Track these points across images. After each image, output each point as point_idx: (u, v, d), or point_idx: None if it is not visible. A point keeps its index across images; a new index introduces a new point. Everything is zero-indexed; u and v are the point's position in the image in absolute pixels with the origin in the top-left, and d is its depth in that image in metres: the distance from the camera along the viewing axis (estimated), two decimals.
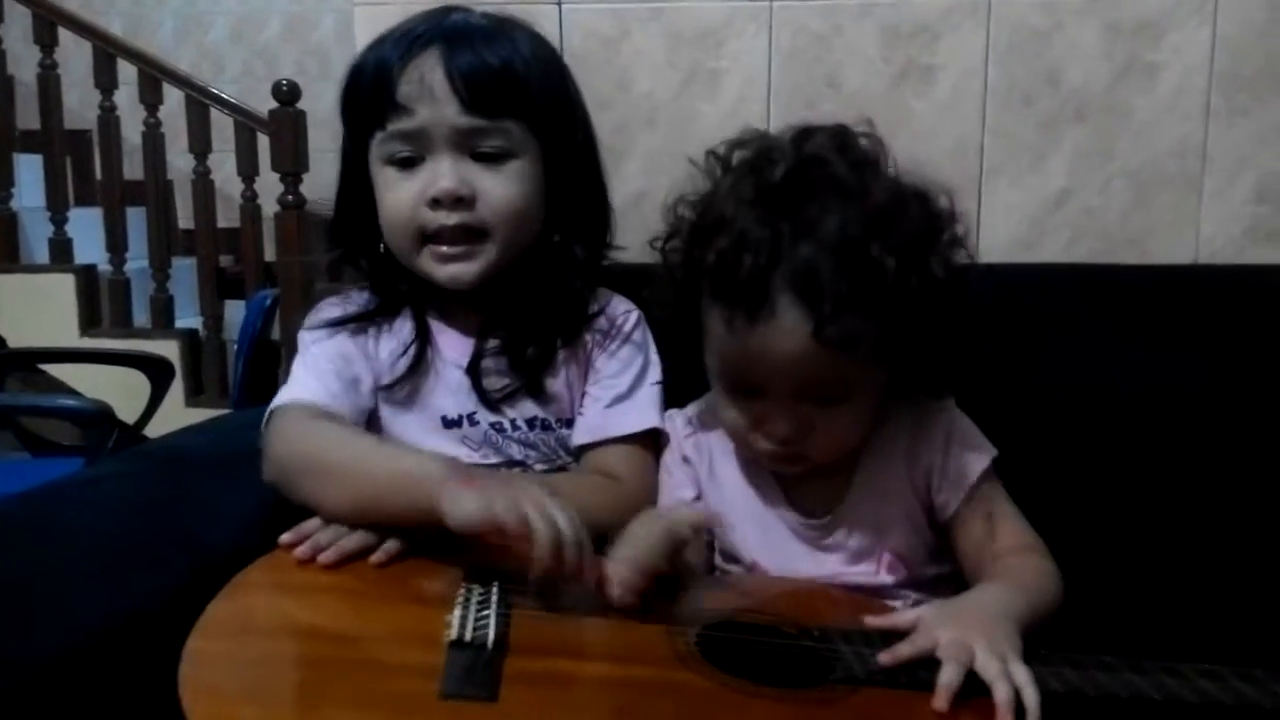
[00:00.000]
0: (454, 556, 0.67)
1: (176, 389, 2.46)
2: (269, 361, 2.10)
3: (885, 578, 0.74)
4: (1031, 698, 0.55)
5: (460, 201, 0.78)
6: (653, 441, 0.84)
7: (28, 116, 3.07)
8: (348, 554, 0.68)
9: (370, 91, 0.80)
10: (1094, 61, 1.13)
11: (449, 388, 0.83)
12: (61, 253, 2.97)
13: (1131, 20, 1.12)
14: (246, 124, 2.75)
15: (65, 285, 2.90)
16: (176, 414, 2.39)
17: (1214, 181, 1.13)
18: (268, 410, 0.79)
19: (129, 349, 2.34)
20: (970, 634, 0.58)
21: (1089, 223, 1.16)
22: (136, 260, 2.97)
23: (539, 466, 0.84)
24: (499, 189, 0.79)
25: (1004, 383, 0.92)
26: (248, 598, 0.64)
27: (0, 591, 0.67)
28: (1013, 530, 0.73)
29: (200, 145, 2.80)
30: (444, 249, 0.79)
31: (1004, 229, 1.17)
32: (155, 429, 1.89)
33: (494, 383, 0.83)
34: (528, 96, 0.79)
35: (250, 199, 2.77)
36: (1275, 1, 1.10)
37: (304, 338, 0.84)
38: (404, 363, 0.83)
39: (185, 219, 3.02)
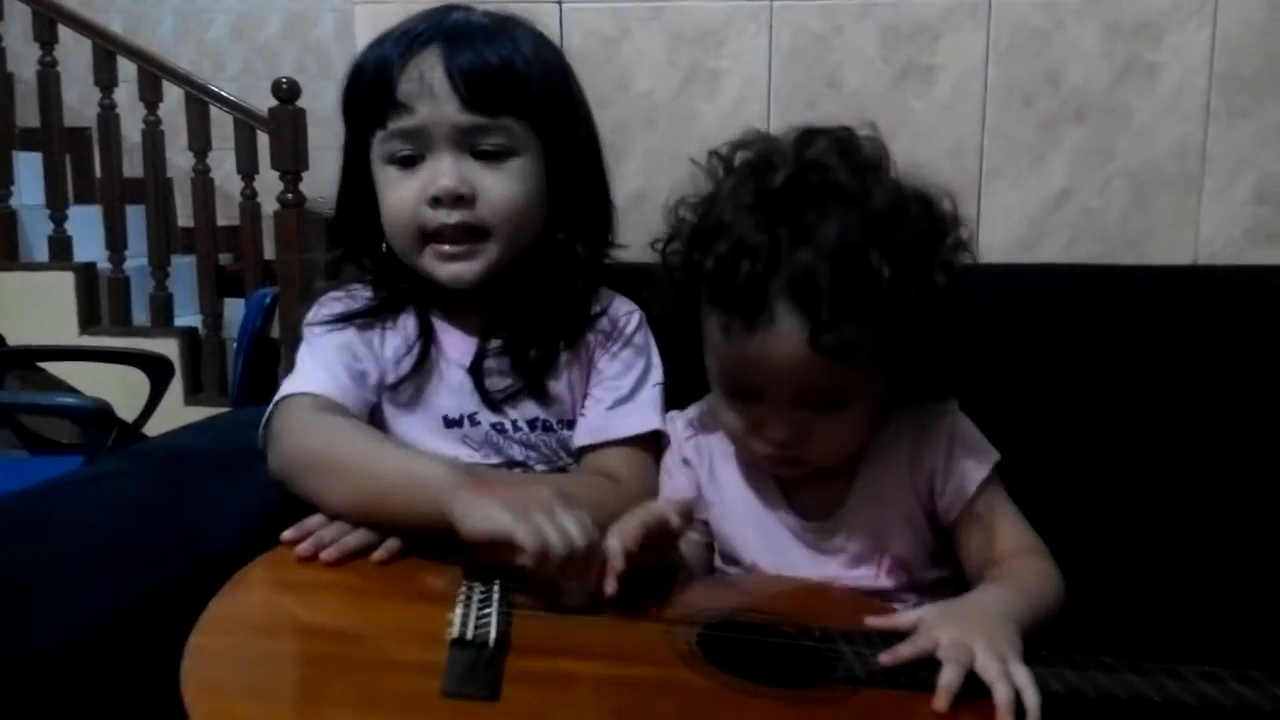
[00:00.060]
0: (455, 555, 0.67)
1: (176, 387, 2.46)
2: (268, 360, 2.10)
3: (885, 581, 0.74)
4: (1032, 698, 0.55)
5: (461, 200, 0.78)
6: (653, 443, 0.84)
7: (27, 114, 3.07)
8: (350, 552, 0.68)
9: (371, 90, 0.80)
10: (1094, 62, 1.13)
11: (451, 387, 0.83)
12: (61, 250, 2.97)
13: (1131, 21, 1.12)
14: (246, 122, 2.75)
15: (65, 283, 2.90)
16: (176, 412, 2.39)
17: (1214, 182, 1.13)
18: (274, 399, 0.78)
19: (128, 347, 2.34)
20: (970, 635, 0.58)
21: (1089, 223, 1.16)
22: (136, 258, 2.97)
23: (539, 467, 0.84)
24: (499, 187, 0.79)
25: (1003, 383, 0.92)
26: (249, 595, 0.64)
27: (4, 587, 0.67)
28: (1014, 533, 0.73)
29: (200, 143, 2.80)
30: (445, 248, 0.79)
31: (1004, 229, 1.17)
32: (154, 427, 1.89)
33: (496, 383, 0.83)
34: (528, 94, 0.79)
35: (250, 197, 2.77)
36: (1275, 2, 1.10)
37: (310, 329, 0.84)
38: (408, 362, 0.83)
39: (185, 217, 3.02)
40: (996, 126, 1.16)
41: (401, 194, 0.79)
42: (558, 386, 0.84)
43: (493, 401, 0.82)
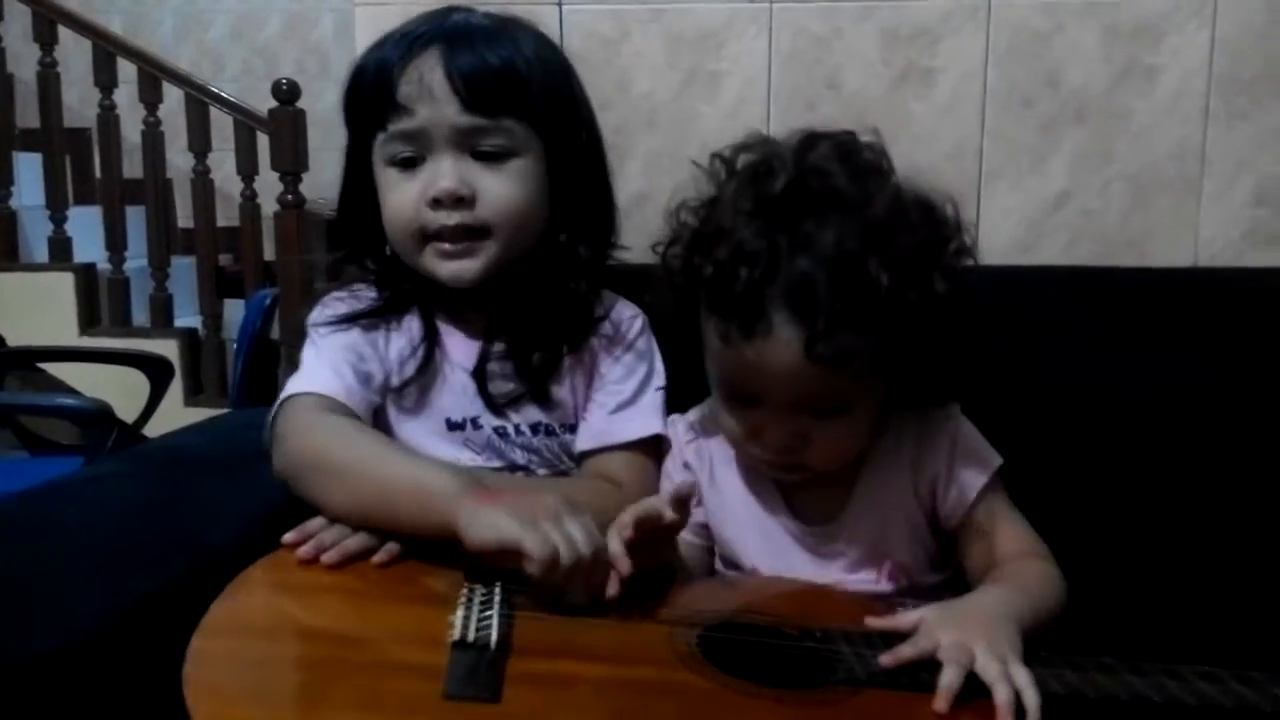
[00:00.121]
0: (455, 557, 0.67)
1: (176, 388, 2.46)
2: (268, 361, 2.10)
3: (886, 586, 0.74)
4: (1032, 699, 0.55)
5: (461, 201, 0.78)
6: (655, 447, 0.84)
7: (27, 115, 3.07)
8: (351, 554, 0.68)
9: (371, 92, 0.80)
10: (1093, 64, 1.13)
11: (454, 390, 0.83)
12: (61, 251, 2.97)
13: (1131, 23, 1.12)
14: (246, 123, 2.75)
15: (64, 284, 2.90)
16: (176, 413, 2.39)
17: (1213, 184, 1.14)
18: (279, 398, 0.78)
19: (128, 348, 2.34)
20: (971, 636, 0.58)
21: (1088, 225, 1.16)
22: (136, 259, 2.97)
23: (541, 471, 0.84)
24: (499, 188, 0.79)
25: (1002, 384, 0.92)
26: (251, 597, 0.64)
27: (4, 589, 0.67)
28: (1016, 536, 0.73)
29: (200, 144, 2.80)
30: (446, 245, 0.79)
31: (1003, 231, 1.17)
32: (154, 428, 1.89)
33: (499, 387, 0.83)
34: (529, 95, 0.79)
35: (250, 198, 2.77)
36: (1274, 5, 1.10)
37: (315, 329, 0.84)
38: (412, 364, 0.83)
39: (185, 218, 3.02)
40: (996, 128, 1.16)
41: (402, 196, 0.79)
42: (560, 391, 0.84)
43: (495, 405, 0.82)
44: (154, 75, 2.83)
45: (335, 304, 0.85)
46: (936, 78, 1.16)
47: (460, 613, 0.60)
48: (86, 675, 0.64)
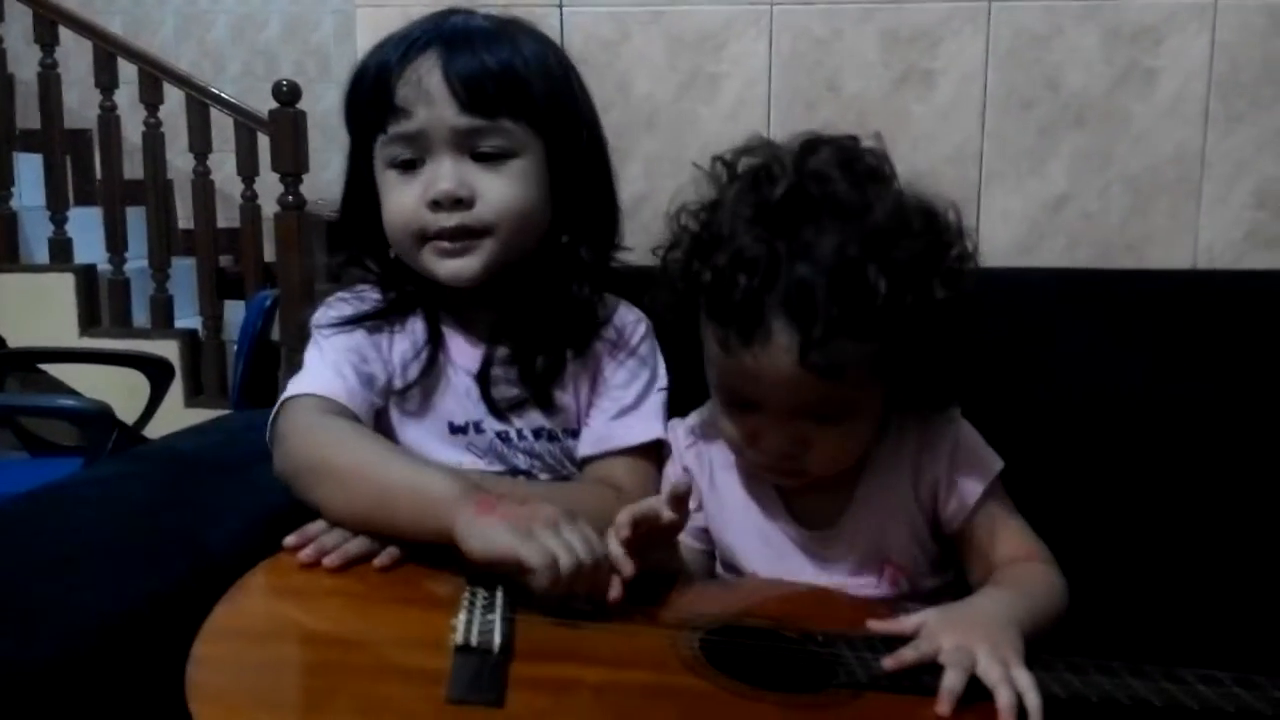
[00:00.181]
0: (457, 561, 0.67)
1: (176, 389, 2.46)
2: (269, 362, 2.10)
3: (887, 589, 0.74)
4: (1034, 701, 0.55)
5: (460, 202, 0.78)
6: (656, 452, 0.84)
7: (28, 116, 3.07)
8: (352, 558, 0.68)
9: (371, 95, 0.80)
10: (1093, 67, 1.13)
11: (457, 394, 0.83)
12: (61, 252, 2.97)
13: (1131, 25, 1.12)
14: (246, 124, 2.75)
15: (65, 285, 2.91)
16: (176, 414, 2.39)
17: (1213, 187, 1.14)
18: (281, 398, 0.78)
19: (128, 349, 2.34)
20: (972, 639, 0.58)
21: (1088, 228, 1.16)
22: (136, 260, 2.98)
23: (543, 476, 0.84)
24: (498, 189, 0.79)
25: (1001, 386, 0.92)
26: (253, 602, 0.64)
27: (4, 591, 0.67)
28: (1017, 540, 0.73)
29: (200, 145, 2.80)
30: (445, 244, 0.79)
31: (1003, 233, 1.17)
32: (155, 429, 1.89)
33: (502, 392, 0.83)
34: (528, 96, 0.79)
35: (250, 199, 2.78)
36: (1274, 8, 1.10)
37: (319, 330, 0.84)
38: (415, 367, 0.83)
39: (185, 219, 3.03)
40: (996, 131, 1.16)
41: (402, 198, 0.80)
42: (563, 396, 0.84)
43: (498, 410, 0.82)
44: (154, 76, 2.83)
45: (339, 305, 0.85)
46: (936, 80, 1.16)
47: (462, 617, 0.60)
48: (87, 677, 0.63)
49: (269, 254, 2.76)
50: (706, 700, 0.56)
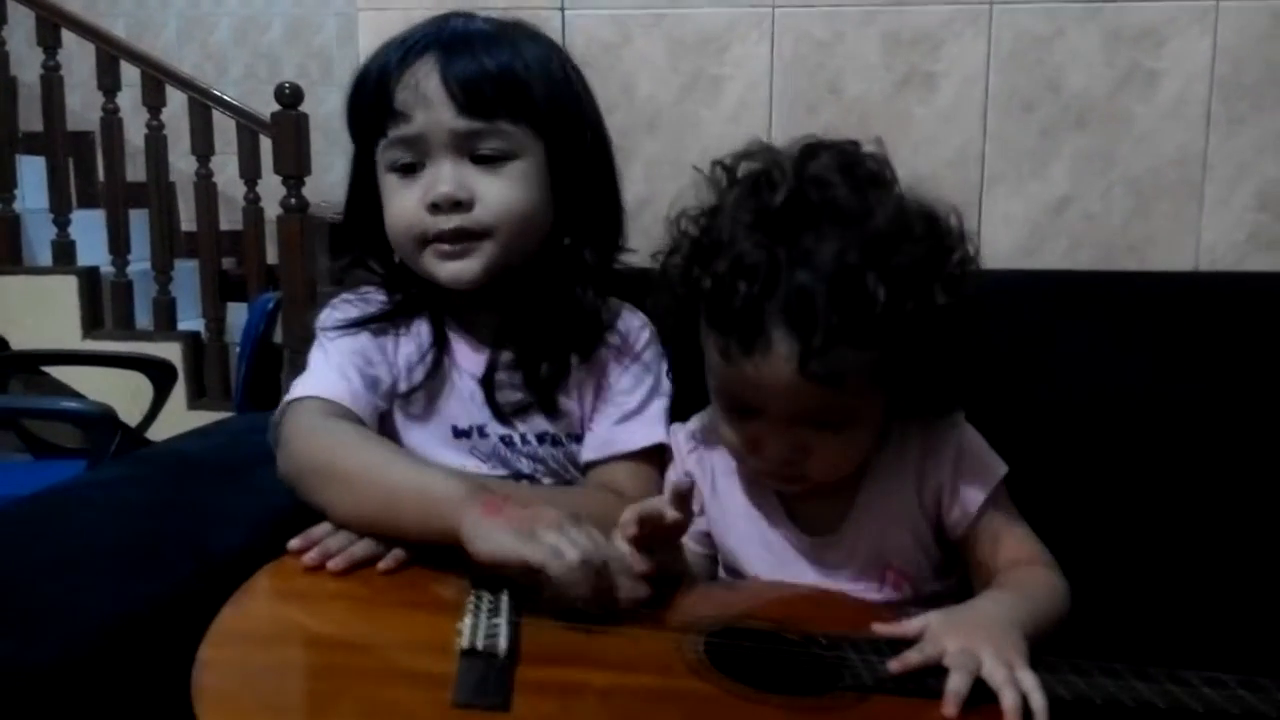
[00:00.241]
0: (461, 564, 0.67)
1: (179, 391, 2.46)
2: (271, 364, 2.10)
3: (890, 594, 0.73)
4: (1039, 702, 0.55)
5: (459, 205, 0.78)
6: (658, 456, 0.84)
7: (31, 118, 3.07)
8: (357, 561, 0.68)
9: (371, 99, 0.80)
10: (1095, 69, 1.14)
11: (461, 398, 0.83)
12: (64, 254, 2.98)
13: (1133, 28, 1.12)
14: (249, 126, 2.76)
15: (68, 287, 2.91)
16: (179, 416, 2.40)
17: (1215, 189, 1.14)
18: (284, 400, 0.78)
19: (131, 351, 2.35)
20: (976, 641, 0.58)
21: (1089, 229, 1.16)
22: (139, 262, 2.98)
23: (546, 480, 0.85)
24: (497, 191, 0.79)
25: (1003, 389, 0.92)
26: (258, 605, 0.65)
27: (7, 593, 0.67)
28: (1020, 544, 0.73)
29: (203, 147, 2.80)
30: (445, 247, 0.79)
31: (1005, 235, 1.17)
32: (158, 431, 1.90)
33: (507, 396, 0.83)
34: (527, 98, 0.79)
35: (252, 201, 2.78)
36: (1276, 10, 1.10)
37: (324, 332, 0.84)
38: (420, 371, 0.83)
39: (188, 221, 3.03)
40: (998, 133, 1.16)
41: (403, 202, 0.80)
42: (568, 402, 0.84)
43: (502, 414, 0.83)
44: (157, 79, 2.84)
45: (344, 307, 0.85)
46: (938, 82, 1.16)
47: (468, 620, 0.61)
48: (89, 680, 0.63)
49: (271, 256, 2.76)
50: (712, 704, 0.56)
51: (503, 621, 0.61)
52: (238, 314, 2.70)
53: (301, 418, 0.76)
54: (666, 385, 0.87)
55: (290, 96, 2.48)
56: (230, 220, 2.98)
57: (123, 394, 1.96)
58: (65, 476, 0.93)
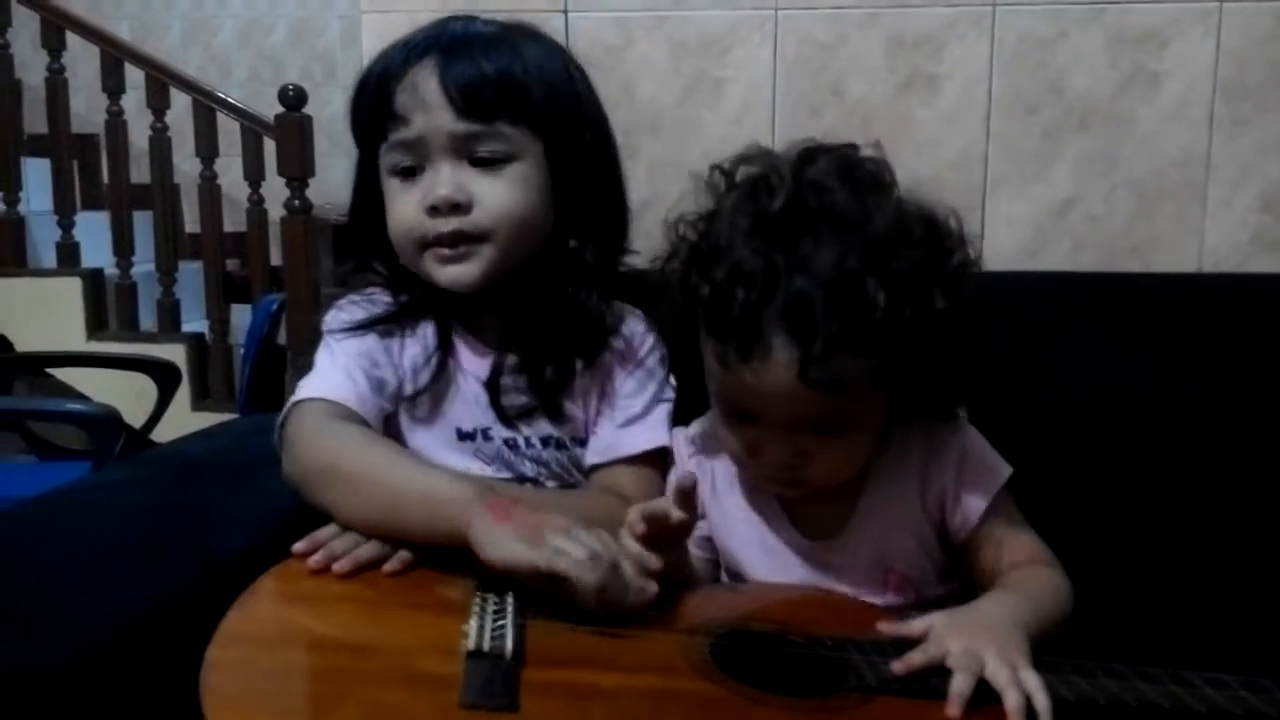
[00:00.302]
0: (467, 566, 0.67)
1: (183, 393, 2.47)
2: (275, 366, 2.11)
3: (893, 599, 0.73)
4: (1043, 703, 0.55)
5: (457, 207, 0.78)
6: (661, 459, 0.84)
7: (35, 121, 3.08)
8: (362, 563, 0.68)
9: (372, 103, 0.80)
10: (1098, 71, 1.14)
11: (466, 400, 0.83)
12: (68, 256, 2.98)
13: (1136, 29, 1.13)
14: (253, 128, 2.76)
15: (72, 289, 2.91)
16: (183, 418, 2.40)
17: (1218, 190, 1.14)
18: (291, 401, 0.78)
19: (135, 353, 2.35)
20: (979, 642, 0.58)
21: (1093, 231, 1.16)
22: (143, 264, 2.98)
23: (550, 483, 0.84)
24: (496, 193, 0.78)
25: (1006, 390, 0.92)
26: (264, 608, 0.65)
27: (12, 594, 0.67)
28: (1024, 545, 0.73)
29: (207, 149, 2.81)
30: (444, 251, 0.79)
31: (1008, 237, 1.17)
32: (162, 433, 1.90)
33: (512, 400, 0.83)
34: (526, 100, 0.79)
35: (257, 203, 2.78)
36: (1279, 12, 1.10)
37: (330, 333, 0.84)
38: (426, 373, 0.83)
39: (192, 223, 3.03)
40: (1001, 135, 1.17)
41: (404, 205, 0.80)
42: (572, 406, 0.84)
43: (507, 417, 0.82)
44: (161, 81, 2.84)
45: (351, 308, 0.85)
46: (941, 84, 1.16)
47: (474, 622, 0.61)
48: (93, 682, 0.64)
49: (275, 258, 2.77)
50: (717, 705, 0.56)
51: (508, 623, 0.61)
52: (242, 315, 2.70)
53: (307, 420, 0.76)
54: (670, 389, 0.87)
55: (294, 98, 2.48)
56: (234, 222, 2.99)
57: (127, 396, 1.97)
58: (70, 478, 0.94)
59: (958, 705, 0.55)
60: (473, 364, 0.85)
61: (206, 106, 2.81)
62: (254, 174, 2.77)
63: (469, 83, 0.77)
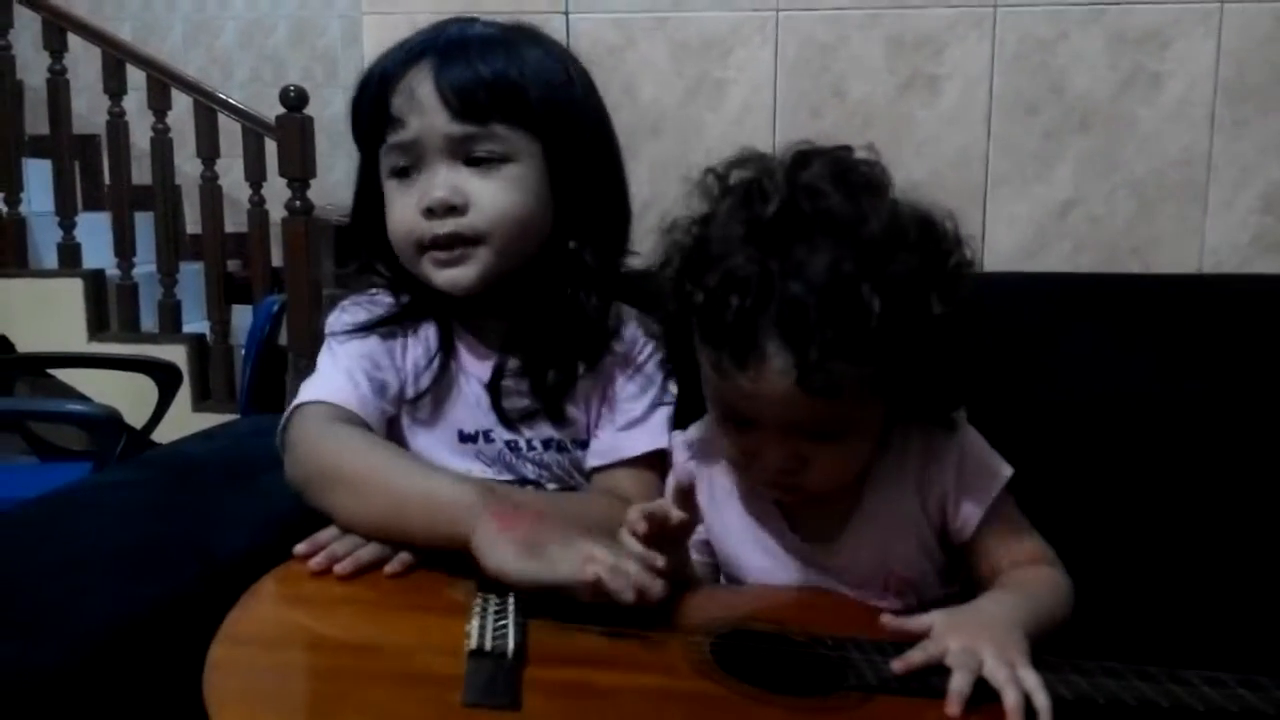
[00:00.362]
0: (468, 567, 0.67)
1: (184, 394, 2.47)
2: (276, 367, 2.11)
3: (893, 602, 0.73)
4: (1042, 701, 0.55)
5: (453, 209, 0.78)
6: (661, 461, 0.84)
7: (37, 122, 3.09)
8: (364, 565, 0.68)
9: (371, 106, 0.80)
10: (1099, 71, 1.14)
11: (468, 402, 0.83)
12: (70, 257, 2.98)
13: (1136, 30, 1.13)
14: (254, 129, 2.77)
15: (74, 290, 2.92)
16: (184, 419, 2.40)
17: (1219, 191, 1.14)
18: (293, 403, 0.78)
19: (137, 354, 2.35)
20: (978, 640, 0.59)
21: (1093, 232, 1.16)
22: (144, 265, 2.99)
23: (551, 486, 0.84)
24: (491, 194, 0.78)
25: (1006, 391, 0.92)
26: (266, 609, 0.65)
27: (12, 595, 0.67)
28: (1024, 544, 0.73)
29: (208, 150, 2.81)
30: (440, 254, 0.79)
31: (1008, 238, 1.18)
32: (163, 434, 1.90)
33: (513, 403, 0.83)
34: (523, 101, 0.78)
35: (258, 204, 2.79)
36: (1279, 13, 1.10)
37: (332, 335, 0.84)
38: (428, 376, 0.83)
39: (193, 224, 3.03)
40: (1001, 136, 1.17)
41: (402, 207, 0.80)
42: (574, 409, 0.84)
43: (509, 420, 0.82)
44: (163, 82, 2.85)
45: (353, 310, 0.85)
46: (942, 85, 1.17)
47: (475, 622, 0.61)
48: (93, 683, 0.64)
49: (276, 259, 2.77)
50: (717, 704, 0.56)
51: (509, 623, 0.61)
52: (243, 316, 2.71)
53: (309, 422, 0.76)
54: (670, 391, 0.87)
55: (295, 99, 2.48)
56: (235, 223, 2.99)
57: (128, 396, 1.97)
58: (70, 479, 0.94)
59: (957, 703, 0.55)
60: (474, 366, 0.85)
61: (208, 107, 2.81)
62: (255, 175, 2.77)
63: (464, 84, 0.77)
